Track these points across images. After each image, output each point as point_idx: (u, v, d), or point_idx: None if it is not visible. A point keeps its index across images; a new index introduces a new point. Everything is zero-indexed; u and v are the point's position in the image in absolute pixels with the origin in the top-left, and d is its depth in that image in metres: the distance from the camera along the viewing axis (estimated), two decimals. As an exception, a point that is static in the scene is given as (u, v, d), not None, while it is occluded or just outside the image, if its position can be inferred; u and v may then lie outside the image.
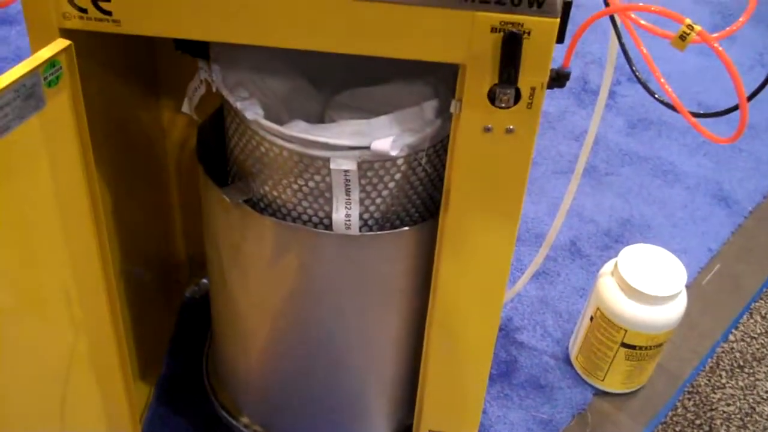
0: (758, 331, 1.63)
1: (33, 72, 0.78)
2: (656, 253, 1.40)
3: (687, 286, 1.39)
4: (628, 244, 1.44)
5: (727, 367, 1.56)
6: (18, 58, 2.10)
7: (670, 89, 0.95)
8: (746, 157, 2.03)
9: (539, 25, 0.80)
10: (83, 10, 0.82)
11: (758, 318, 1.65)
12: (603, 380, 1.46)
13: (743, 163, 2.02)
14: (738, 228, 1.84)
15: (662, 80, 0.95)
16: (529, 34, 0.80)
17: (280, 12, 0.81)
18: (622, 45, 0.98)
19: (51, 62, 0.80)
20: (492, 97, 0.85)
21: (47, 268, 0.92)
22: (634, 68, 0.99)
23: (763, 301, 1.69)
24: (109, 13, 0.82)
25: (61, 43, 0.81)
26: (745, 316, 1.66)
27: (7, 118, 0.77)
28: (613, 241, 1.76)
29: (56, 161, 0.87)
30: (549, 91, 0.90)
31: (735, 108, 0.88)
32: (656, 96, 0.99)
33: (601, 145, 2.00)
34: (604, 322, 1.39)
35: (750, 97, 0.87)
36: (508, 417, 1.43)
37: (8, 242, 0.84)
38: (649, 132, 2.07)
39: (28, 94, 0.78)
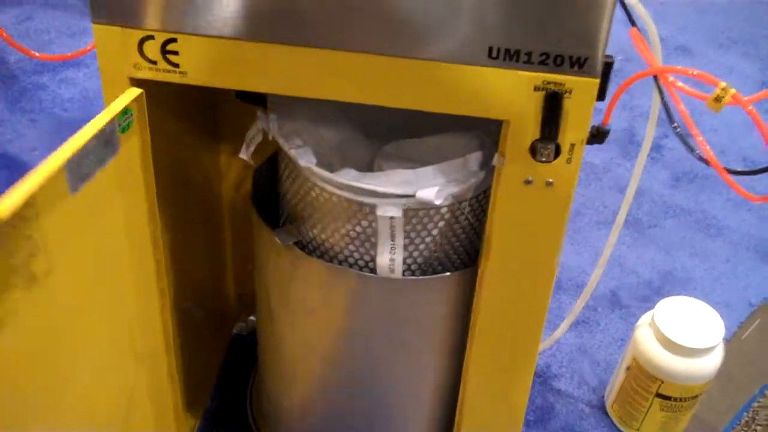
0: (797, 387, 1.64)
1: (112, 119, 0.84)
2: (694, 306, 1.42)
3: (726, 340, 1.41)
4: (668, 296, 1.46)
5: (763, 422, 1.56)
6: (84, 99, 2.18)
7: (708, 147, 0.99)
8: (790, 213, 2.05)
9: (580, 85, 0.84)
10: (153, 62, 0.88)
11: (797, 374, 1.66)
12: (638, 430, 1.48)
13: (787, 219, 2.03)
14: (780, 284, 1.85)
15: (700, 138, 0.99)
16: (570, 93, 0.84)
17: (334, 68, 0.86)
18: (664, 103, 1.02)
19: (124, 110, 0.86)
20: (533, 152, 0.88)
21: (115, 302, 0.98)
22: (674, 125, 1.03)
23: (802, 358, 1.70)
24: (176, 65, 0.88)
25: (134, 92, 0.87)
26: (783, 372, 1.67)
27: (91, 163, 0.82)
28: (653, 293, 1.78)
29: (126, 202, 0.93)
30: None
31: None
32: (695, 152, 1.03)
33: (646, 197, 2.03)
34: (639, 372, 1.41)
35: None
36: (543, 462, 1.46)
37: (83, 276, 0.89)
38: (693, 186, 2.09)
39: (107, 140, 0.84)
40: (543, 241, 0.97)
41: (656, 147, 2.14)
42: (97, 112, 0.84)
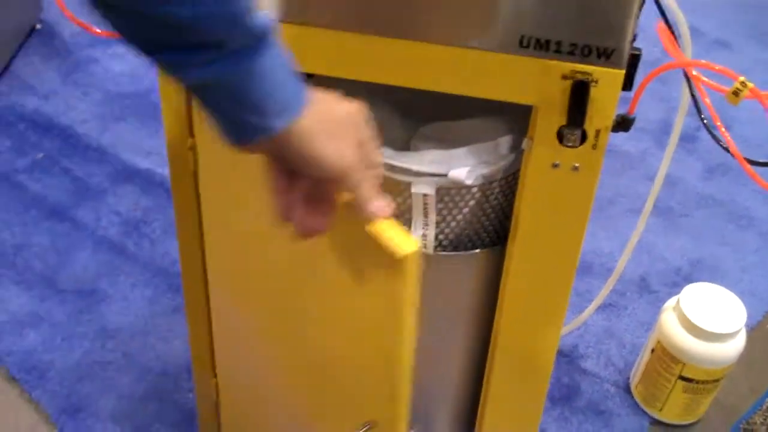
0: (819, 377, 1.67)
1: None
2: (718, 292, 1.46)
3: (751, 327, 1.44)
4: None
5: (785, 409, 1.60)
6: (134, 74, 2.24)
7: (729, 136, 1.03)
8: (821, 206, 2.07)
9: (606, 75, 0.88)
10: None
11: (820, 364, 1.69)
12: (660, 410, 1.52)
13: (818, 212, 2.05)
14: (807, 275, 1.88)
15: (723, 130, 1.03)
16: (596, 82, 0.88)
17: (375, 53, 0.91)
18: (692, 95, 1.06)
19: None
20: (560, 137, 0.93)
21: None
22: (702, 116, 1.07)
23: (826, 348, 1.73)
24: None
25: None
26: (806, 361, 1.70)
27: None
28: (682, 280, 1.82)
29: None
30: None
31: (789, 160, 0.96)
32: (721, 143, 1.06)
33: (679, 187, 2.06)
34: (663, 354, 1.45)
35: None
36: (566, 439, 1.51)
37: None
38: (726, 178, 2.11)
39: None
40: (568, 223, 1.01)
41: (690, 138, 2.16)
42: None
